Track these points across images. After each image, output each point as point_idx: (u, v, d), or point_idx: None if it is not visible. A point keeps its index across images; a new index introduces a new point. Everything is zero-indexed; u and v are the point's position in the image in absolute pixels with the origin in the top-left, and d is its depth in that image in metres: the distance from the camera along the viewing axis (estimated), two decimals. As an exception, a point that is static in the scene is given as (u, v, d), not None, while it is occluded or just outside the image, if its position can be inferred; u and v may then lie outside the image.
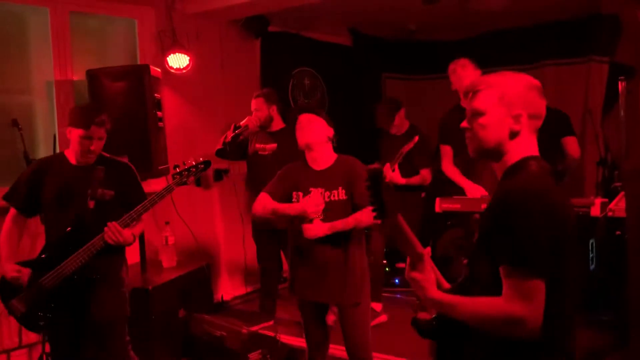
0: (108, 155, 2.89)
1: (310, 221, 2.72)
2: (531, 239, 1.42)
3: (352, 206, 2.76)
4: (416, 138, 3.85)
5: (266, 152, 4.14)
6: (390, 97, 5.34)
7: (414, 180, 4.26)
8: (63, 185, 2.75)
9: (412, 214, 4.28)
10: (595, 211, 3.50)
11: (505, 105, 1.57)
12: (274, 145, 4.13)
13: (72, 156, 2.81)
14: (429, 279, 1.57)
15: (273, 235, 4.13)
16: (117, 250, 2.79)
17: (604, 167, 4.90)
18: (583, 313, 3.69)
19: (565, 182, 3.67)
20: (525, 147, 1.59)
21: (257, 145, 4.19)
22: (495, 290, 1.46)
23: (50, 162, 2.87)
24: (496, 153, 1.61)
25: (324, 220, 2.74)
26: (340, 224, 2.70)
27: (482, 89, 1.61)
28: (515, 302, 1.41)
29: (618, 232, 3.39)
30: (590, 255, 3.74)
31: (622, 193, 3.44)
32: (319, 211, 2.71)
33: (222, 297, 4.92)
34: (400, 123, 4.46)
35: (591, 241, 3.73)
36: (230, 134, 4.05)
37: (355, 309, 2.80)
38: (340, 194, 2.76)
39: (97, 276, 2.70)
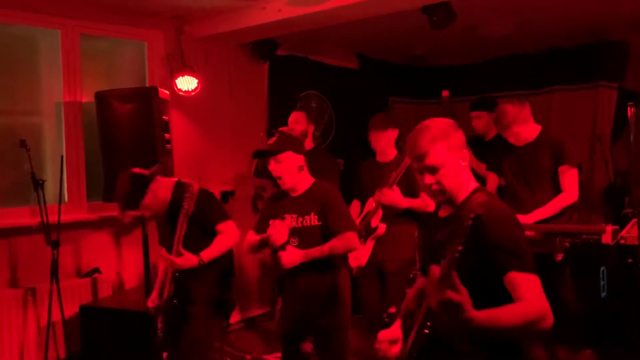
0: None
1: (283, 248, 2.69)
2: (523, 245, 1.65)
3: (326, 232, 2.73)
4: (407, 160, 3.71)
5: None
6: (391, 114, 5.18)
7: (416, 203, 3.49)
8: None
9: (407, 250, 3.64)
10: (607, 239, 3.44)
11: (454, 150, 1.77)
12: None
13: None
14: (467, 299, 1.48)
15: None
16: (196, 277, 2.83)
17: (614, 194, 4.85)
18: (594, 344, 3.62)
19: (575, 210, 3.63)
20: (466, 180, 1.81)
21: None
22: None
23: None
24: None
25: (299, 246, 2.72)
26: (316, 252, 2.68)
27: (429, 148, 1.77)
28: (537, 299, 1.59)
29: (630, 260, 3.33)
30: (602, 283, 3.68)
31: (634, 220, 3.39)
32: (285, 236, 2.68)
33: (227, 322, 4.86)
34: (386, 144, 3.70)
35: (602, 269, 3.67)
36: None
37: (338, 335, 2.78)
38: (312, 220, 2.74)
39: (175, 301, 2.84)
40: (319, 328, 2.81)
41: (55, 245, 3.61)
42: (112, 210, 4.18)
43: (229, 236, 2.91)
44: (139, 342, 3.45)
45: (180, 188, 2.87)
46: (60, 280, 3.65)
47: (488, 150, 4.15)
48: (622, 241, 3.32)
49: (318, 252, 2.68)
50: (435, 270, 1.66)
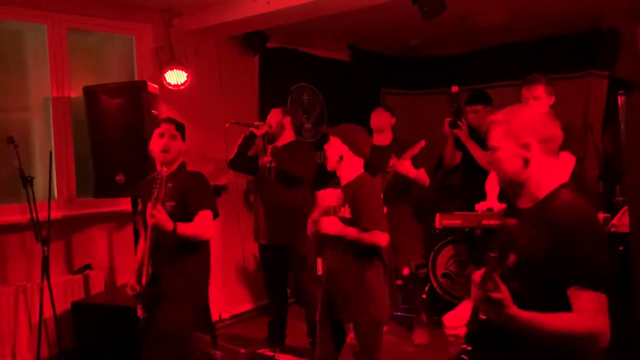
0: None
1: (328, 213, 2.78)
2: (601, 260, 1.61)
3: (355, 227, 2.75)
4: (422, 142, 3.89)
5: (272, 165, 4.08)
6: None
7: (420, 175, 4.03)
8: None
9: (410, 227, 4.25)
10: (598, 227, 3.44)
11: (513, 138, 1.73)
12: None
13: None
14: (508, 296, 1.52)
15: (281, 266, 4.12)
16: (180, 256, 2.88)
17: (605, 182, 4.86)
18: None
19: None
20: (550, 173, 1.74)
21: (265, 159, 4.15)
22: (542, 309, 1.57)
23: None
24: (518, 183, 1.77)
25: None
26: (352, 232, 2.71)
27: (491, 127, 1.80)
28: (599, 318, 1.57)
29: (621, 248, 3.34)
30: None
31: (625, 208, 3.40)
32: (334, 201, 2.78)
33: (220, 316, 4.86)
34: (386, 129, 4.38)
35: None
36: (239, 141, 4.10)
37: (366, 328, 2.79)
38: (346, 212, 2.78)
39: (153, 287, 2.85)
40: (349, 318, 2.85)
41: (45, 242, 3.60)
42: (103, 207, 4.18)
43: (205, 226, 2.91)
44: (131, 338, 3.44)
45: (182, 167, 3.00)
46: (51, 277, 3.63)
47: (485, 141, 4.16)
48: (613, 229, 3.33)
49: (353, 232, 2.71)
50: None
